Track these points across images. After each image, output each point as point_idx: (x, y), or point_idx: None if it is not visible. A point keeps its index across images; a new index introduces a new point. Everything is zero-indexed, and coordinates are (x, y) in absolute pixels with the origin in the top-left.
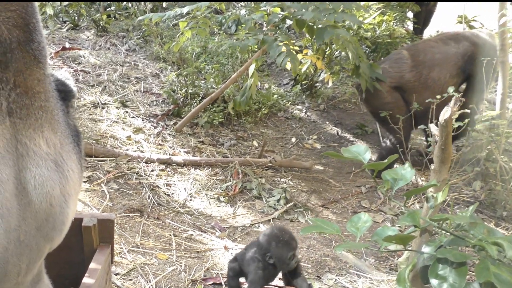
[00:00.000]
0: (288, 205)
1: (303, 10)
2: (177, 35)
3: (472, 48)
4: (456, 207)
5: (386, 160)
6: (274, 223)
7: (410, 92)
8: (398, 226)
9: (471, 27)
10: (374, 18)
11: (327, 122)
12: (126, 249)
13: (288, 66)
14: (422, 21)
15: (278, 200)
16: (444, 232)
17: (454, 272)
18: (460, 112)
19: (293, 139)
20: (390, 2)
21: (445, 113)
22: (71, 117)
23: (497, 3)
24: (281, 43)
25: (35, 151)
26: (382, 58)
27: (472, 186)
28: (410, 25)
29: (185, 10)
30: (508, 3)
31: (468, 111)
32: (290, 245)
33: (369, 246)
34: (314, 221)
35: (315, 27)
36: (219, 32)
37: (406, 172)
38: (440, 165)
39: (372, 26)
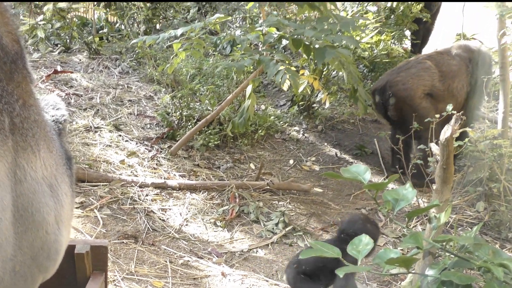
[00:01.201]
0: (287, 229)
1: (301, 30)
2: (171, 57)
3: (473, 58)
4: (459, 228)
5: (386, 180)
6: (273, 247)
7: (439, 100)
8: (401, 249)
9: None
10: (371, 37)
11: (325, 143)
12: (120, 276)
13: (285, 86)
14: (420, 39)
15: (277, 224)
16: (448, 254)
17: None
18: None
19: (291, 161)
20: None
21: (446, 132)
22: (64, 141)
23: (497, 21)
24: (278, 62)
25: (32, 176)
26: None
27: (475, 207)
28: (408, 44)
29: (179, 31)
30: (508, 21)
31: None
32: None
33: (371, 269)
34: (314, 245)
35: (311, 46)
36: (214, 53)
37: (407, 192)
38: (442, 185)
39: (369, 46)
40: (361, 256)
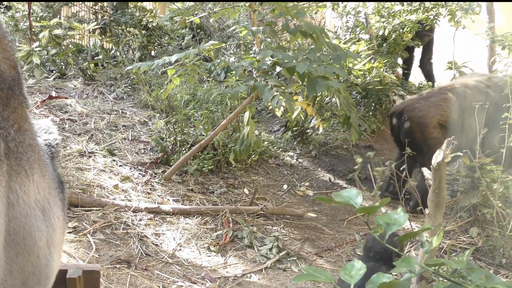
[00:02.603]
0: (281, 254)
1: (294, 61)
2: (166, 83)
3: (494, 96)
4: (453, 254)
5: (377, 204)
6: (267, 272)
7: (452, 132)
8: (395, 274)
9: (461, 73)
10: (364, 64)
11: (319, 169)
12: None
13: (279, 112)
14: (410, 68)
15: (270, 249)
16: (441, 278)
17: None
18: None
19: (285, 186)
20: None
21: (437, 156)
22: (56, 164)
23: (487, 50)
24: (273, 87)
25: (24, 200)
26: (373, 104)
27: (469, 233)
28: (400, 71)
29: (173, 58)
30: (498, 48)
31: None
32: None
33: None
34: (306, 270)
35: (307, 72)
36: (208, 79)
37: (399, 217)
38: (434, 209)
39: (362, 73)
40: (354, 281)
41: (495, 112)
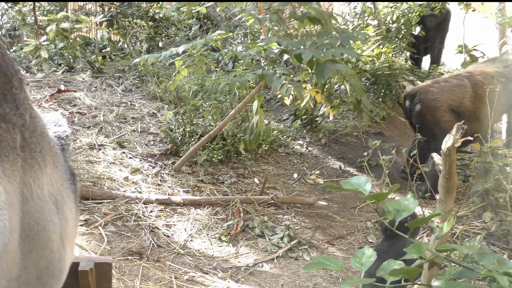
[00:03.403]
0: (292, 243)
1: (301, 47)
2: (174, 74)
3: None
4: (466, 239)
5: (387, 191)
6: (278, 261)
7: (463, 118)
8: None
9: (472, 56)
10: (372, 50)
11: (329, 157)
12: None
13: (288, 100)
14: (422, 53)
15: (282, 238)
16: (453, 264)
17: None
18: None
19: (295, 175)
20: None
21: (447, 141)
22: (67, 156)
23: (497, 31)
24: (281, 76)
25: (38, 194)
26: (383, 90)
27: (482, 218)
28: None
29: (180, 49)
30: (508, 30)
31: None
32: None
33: (375, 281)
34: (317, 258)
35: (314, 59)
36: (216, 69)
37: (409, 203)
38: (445, 195)
39: (371, 59)
40: (365, 269)
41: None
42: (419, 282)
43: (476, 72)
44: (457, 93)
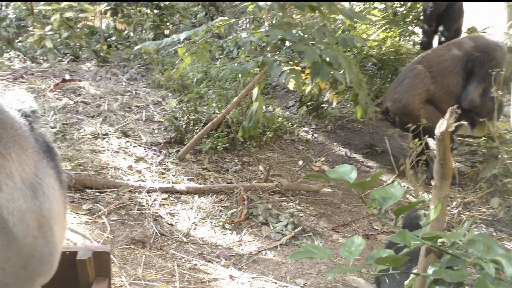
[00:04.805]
0: (296, 230)
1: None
2: (177, 62)
3: (473, 48)
4: (473, 225)
5: (369, 179)
6: (282, 249)
7: (440, 102)
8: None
9: None
10: (378, 35)
11: (335, 143)
12: (127, 282)
13: (291, 86)
14: (431, 37)
15: (286, 225)
16: (444, 252)
17: None
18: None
19: (300, 162)
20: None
21: (441, 126)
22: (38, 133)
23: (506, 14)
24: (282, 63)
25: (7, 184)
26: (389, 76)
27: (489, 204)
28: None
29: (182, 36)
30: None
31: None
32: None
33: (364, 269)
34: (304, 246)
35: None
36: (221, 56)
37: (395, 190)
38: (440, 181)
39: (377, 43)
40: (353, 257)
41: (477, 69)
42: (415, 270)
43: (428, 52)
44: (418, 85)
